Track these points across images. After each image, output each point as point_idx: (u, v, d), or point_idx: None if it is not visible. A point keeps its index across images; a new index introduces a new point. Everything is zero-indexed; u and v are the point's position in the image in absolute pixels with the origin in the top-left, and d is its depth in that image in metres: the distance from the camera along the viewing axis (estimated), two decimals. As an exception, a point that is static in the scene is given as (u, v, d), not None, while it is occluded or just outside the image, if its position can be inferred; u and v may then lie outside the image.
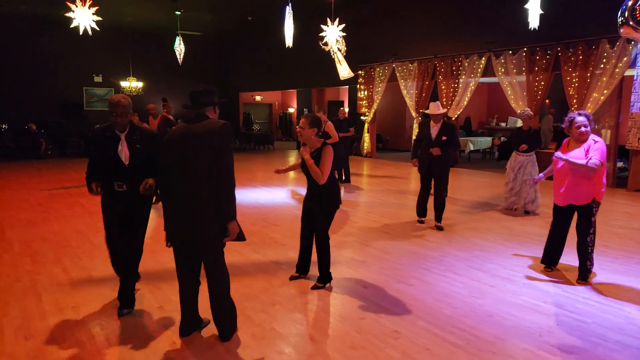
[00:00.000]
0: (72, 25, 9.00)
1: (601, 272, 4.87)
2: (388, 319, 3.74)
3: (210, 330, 3.53)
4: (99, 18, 9.14)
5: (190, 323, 3.47)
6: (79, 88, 19.04)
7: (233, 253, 5.41)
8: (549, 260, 4.89)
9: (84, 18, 8.90)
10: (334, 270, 4.87)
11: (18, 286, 4.39)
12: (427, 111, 6.61)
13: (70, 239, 6.01)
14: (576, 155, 4.44)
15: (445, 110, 6.79)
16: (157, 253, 5.37)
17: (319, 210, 4.30)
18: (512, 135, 7.84)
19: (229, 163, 3.16)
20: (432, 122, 6.46)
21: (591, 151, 4.39)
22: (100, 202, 3.88)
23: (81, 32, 9.12)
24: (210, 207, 3.15)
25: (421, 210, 6.83)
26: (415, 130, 14.38)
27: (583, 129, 4.51)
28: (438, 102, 6.59)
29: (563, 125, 4.76)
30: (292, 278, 4.60)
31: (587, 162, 4.30)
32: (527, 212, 7.53)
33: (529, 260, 5.24)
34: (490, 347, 3.31)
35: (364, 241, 5.97)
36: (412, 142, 12.39)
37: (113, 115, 3.69)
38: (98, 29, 9.28)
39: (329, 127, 8.69)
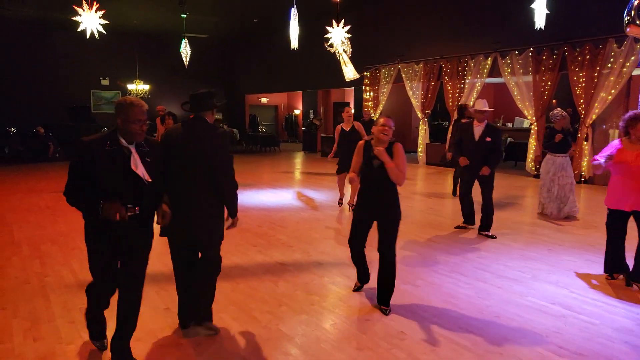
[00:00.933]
0: (79, 29, 9.09)
1: (609, 272, 4.83)
2: (394, 319, 3.74)
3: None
4: (106, 21, 9.22)
5: (188, 313, 3.55)
6: (87, 91, 19.20)
7: (239, 255, 5.43)
8: (618, 269, 4.56)
9: (90, 21, 8.99)
10: (341, 271, 4.87)
11: (27, 288, 4.43)
12: (473, 108, 6.24)
13: (79, 240, 6.06)
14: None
15: (492, 109, 6.32)
16: (164, 254, 5.39)
17: (388, 221, 3.85)
18: (548, 135, 7.23)
19: (229, 166, 3.34)
20: (475, 121, 6.15)
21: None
22: (88, 232, 2.98)
23: (88, 36, 9.21)
24: (213, 208, 3.35)
25: (469, 215, 6.46)
26: (422, 132, 14.35)
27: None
28: (485, 100, 6.24)
29: (622, 125, 4.48)
30: (356, 289, 4.31)
31: None
32: (567, 218, 7.18)
33: (536, 261, 5.21)
34: (497, 348, 3.30)
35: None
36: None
37: (137, 123, 2.86)
38: (105, 32, 9.37)
39: (359, 126, 8.02)
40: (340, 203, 8.20)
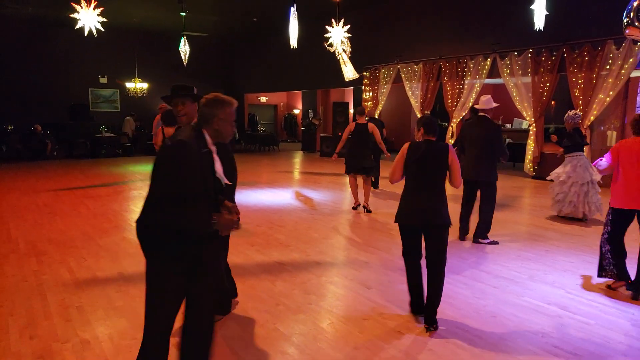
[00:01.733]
0: (77, 26, 9.06)
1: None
2: (391, 319, 3.75)
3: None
4: (104, 19, 9.20)
5: None
6: (85, 89, 19.16)
7: (237, 254, 5.43)
8: (623, 274, 4.35)
9: (88, 19, 8.96)
10: (339, 271, 4.88)
11: (24, 286, 4.43)
12: (477, 106, 5.97)
13: (76, 239, 6.06)
14: None
15: (497, 104, 5.98)
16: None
17: (441, 226, 3.53)
18: (566, 136, 7.16)
19: (164, 174, 2.40)
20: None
21: None
22: (157, 267, 2.54)
23: (86, 33, 9.18)
24: (154, 211, 2.46)
25: (463, 227, 6.02)
26: (420, 132, 14.36)
27: None
28: (490, 96, 5.92)
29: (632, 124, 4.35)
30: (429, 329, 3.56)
31: None
32: (584, 219, 7.08)
33: (534, 261, 5.22)
34: (493, 347, 3.31)
35: (368, 242, 5.98)
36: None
37: (233, 124, 2.59)
38: (103, 30, 9.35)
39: (373, 128, 7.51)
40: (355, 207, 7.72)
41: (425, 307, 3.63)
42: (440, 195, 3.60)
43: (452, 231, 6.03)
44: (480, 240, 5.89)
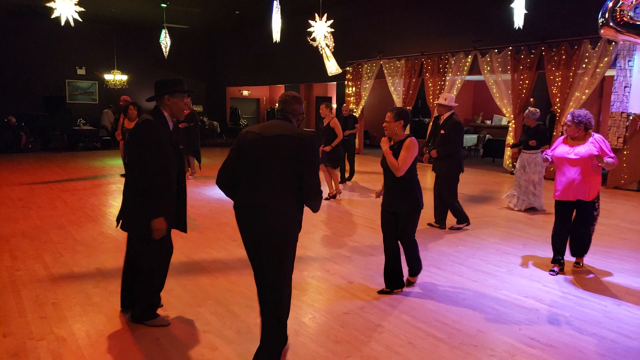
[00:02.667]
0: (53, 16, 8.83)
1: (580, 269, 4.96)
2: (372, 313, 3.77)
3: (192, 327, 3.52)
4: (82, 9, 8.98)
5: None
6: (62, 80, 18.70)
7: (219, 249, 5.40)
8: (562, 260, 4.82)
9: (65, 8, 8.74)
10: (320, 265, 4.89)
11: (-3, 281, 4.32)
12: (436, 102, 6.57)
13: (52, 234, 5.93)
14: (582, 151, 4.50)
15: (445, 102, 6.23)
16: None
17: (404, 213, 4.01)
18: (522, 133, 7.63)
19: (144, 159, 3.22)
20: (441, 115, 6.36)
21: (605, 147, 4.54)
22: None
23: (63, 23, 8.95)
24: (134, 200, 3.29)
25: (437, 216, 6.46)
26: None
27: (565, 127, 4.72)
28: (450, 94, 6.43)
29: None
30: (381, 292, 4.15)
31: (613, 161, 4.47)
32: (532, 210, 7.51)
33: (512, 256, 5.31)
34: (471, 340, 3.36)
35: (349, 236, 6.00)
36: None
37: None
38: (81, 20, 9.13)
39: (335, 123, 8.05)
40: (327, 198, 8.10)
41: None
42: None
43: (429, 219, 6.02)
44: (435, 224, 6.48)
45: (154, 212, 3.21)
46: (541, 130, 7.39)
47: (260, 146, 2.77)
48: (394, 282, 4.17)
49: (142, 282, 3.44)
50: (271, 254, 2.78)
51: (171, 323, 3.55)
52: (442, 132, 6.12)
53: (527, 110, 7.40)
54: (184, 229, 3.57)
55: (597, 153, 4.43)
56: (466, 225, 6.42)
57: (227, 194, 3.02)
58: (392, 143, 4.05)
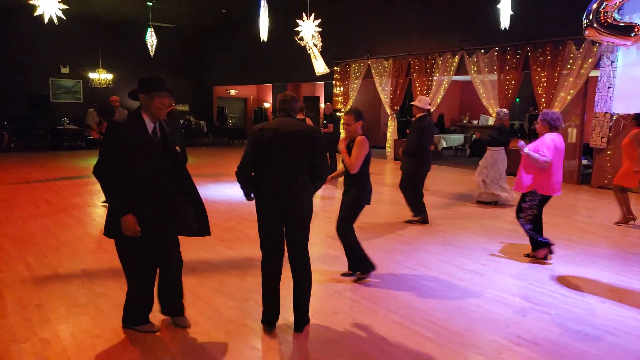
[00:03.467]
0: (36, 13, 8.67)
1: (565, 265, 5.03)
2: (361, 313, 3.78)
3: (180, 328, 3.49)
4: (65, 6, 8.84)
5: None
6: (45, 79, 18.40)
7: (206, 249, 5.36)
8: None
9: (49, 6, 8.58)
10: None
11: (-21, 283, 4.24)
12: (412, 103, 6.89)
13: (35, 235, 5.83)
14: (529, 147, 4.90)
15: (419, 104, 6.64)
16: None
17: (344, 202, 4.36)
18: (501, 132, 7.91)
19: (98, 159, 3.17)
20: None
21: (540, 147, 4.84)
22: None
23: (46, 21, 8.80)
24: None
25: (412, 211, 6.87)
26: (390, 128, 14.54)
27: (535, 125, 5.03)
28: (425, 97, 6.81)
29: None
30: (344, 274, 4.57)
31: (538, 158, 4.78)
32: (496, 204, 7.94)
33: (498, 254, 5.36)
34: (459, 338, 3.39)
35: (337, 236, 5.99)
36: (394, 141, 13.09)
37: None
38: (64, 17, 8.98)
39: (308, 122, 8.57)
40: None
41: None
42: None
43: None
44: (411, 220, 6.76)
45: (115, 211, 3.15)
46: (496, 127, 7.86)
47: (282, 140, 3.29)
48: (352, 265, 4.49)
49: (128, 285, 3.38)
50: (299, 223, 3.41)
51: (158, 324, 3.51)
52: (408, 131, 6.73)
53: (499, 112, 7.98)
54: (191, 233, 3.47)
55: (525, 149, 4.80)
56: (420, 222, 6.66)
57: (244, 184, 3.43)
58: (347, 142, 4.33)
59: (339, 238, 4.41)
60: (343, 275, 4.53)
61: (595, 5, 4.92)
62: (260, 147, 3.32)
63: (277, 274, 3.48)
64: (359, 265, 4.46)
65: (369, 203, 4.39)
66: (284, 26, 13.77)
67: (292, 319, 3.66)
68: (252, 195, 3.45)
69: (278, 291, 3.49)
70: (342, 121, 4.39)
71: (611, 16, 5.03)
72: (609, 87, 9.66)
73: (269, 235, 3.43)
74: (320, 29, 10.41)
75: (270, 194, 3.34)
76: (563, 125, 4.91)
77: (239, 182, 3.43)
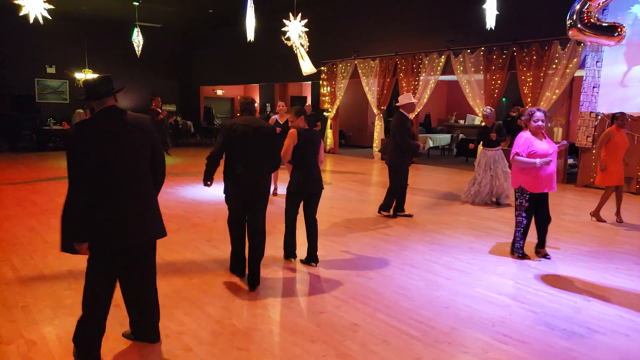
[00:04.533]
0: (21, 13, 8.56)
1: (551, 263, 5.09)
2: (347, 312, 3.79)
3: (167, 328, 3.47)
4: (51, 6, 8.74)
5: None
6: (31, 79, 18.16)
7: (192, 250, 5.34)
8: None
9: (34, 6, 8.48)
10: (295, 266, 4.88)
11: (-38, 286, 4.17)
12: (397, 103, 7.03)
13: (21, 236, 5.76)
14: (544, 147, 4.92)
15: (398, 103, 7.03)
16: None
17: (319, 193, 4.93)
18: (478, 133, 8.17)
19: (69, 167, 2.79)
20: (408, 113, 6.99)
21: (516, 144, 4.99)
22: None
23: (31, 21, 8.69)
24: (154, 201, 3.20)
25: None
26: (377, 127, 14.59)
27: (540, 123, 4.93)
28: (409, 94, 7.09)
29: (523, 119, 5.14)
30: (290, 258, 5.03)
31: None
32: (498, 204, 8.00)
33: (484, 253, 5.41)
34: (445, 337, 3.41)
35: (325, 235, 6.01)
36: (381, 141, 13.26)
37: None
38: (50, 17, 8.88)
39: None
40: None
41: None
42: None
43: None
44: (381, 212, 7.06)
45: (72, 234, 2.86)
46: (499, 126, 7.90)
47: (252, 134, 4.18)
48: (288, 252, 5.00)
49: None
50: (262, 202, 4.34)
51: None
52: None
53: (483, 111, 8.00)
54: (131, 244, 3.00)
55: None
56: (390, 215, 7.00)
57: (211, 169, 4.29)
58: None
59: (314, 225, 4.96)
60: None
61: (578, 6, 4.99)
62: (232, 139, 4.16)
63: (242, 231, 4.46)
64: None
65: (299, 195, 4.76)
66: (270, 26, 13.74)
67: (277, 318, 3.66)
68: (209, 183, 4.33)
69: (244, 244, 4.49)
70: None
71: (594, 16, 5.11)
72: (594, 87, 9.80)
73: (237, 208, 4.35)
74: (307, 29, 10.41)
75: (243, 175, 4.16)
76: (540, 123, 4.91)
77: (208, 167, 4.26)
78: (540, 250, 5.27)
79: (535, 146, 4.89)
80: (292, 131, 4.65)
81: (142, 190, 2.98)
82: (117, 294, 3.13)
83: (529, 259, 5.18)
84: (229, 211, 4.43)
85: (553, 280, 4.60)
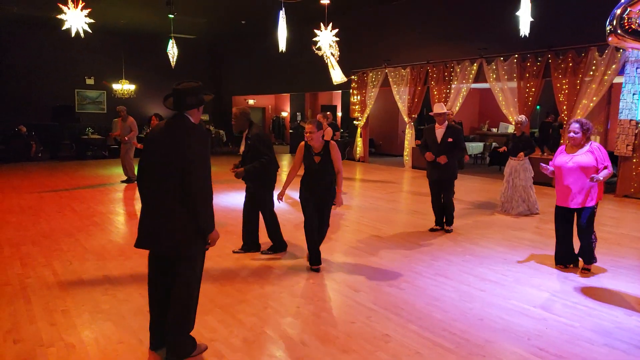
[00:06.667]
0: (63, 28, 8.95)
1: (590, 276, 4.92)
2: (379, 322, 3.76)
3: (199, 335, 3.52)
4: (92, 20, 9.10)
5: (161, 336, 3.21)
6: (71, 90, 18.91)
7: (225, 257, 5.41)
8: (564, 259, 5.11)
9: (76, 20, 8.84)
10: (326, 274, 4.88)
11: (7, 290, 4.36)
12: (431, 113, 6.66)
13: (61, 242, 5.98)
14: (583, 160, 4.72)
15: (448, 111, 6.79)
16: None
17: (331, 200, 4.94)
18: (508, 140, 8.05)
19: (200, 170, 2.95)
20: (436, 124, 6.50)
21: (601, 156, 4.71)
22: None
23: (73, 34, 9.07)
24: (181, 216, 2.98)
25: (438, 218, 6.74)
26: (408, 136, 14.49)
27: (572, 134, 4.82)
28: (442, 103, 6.69)
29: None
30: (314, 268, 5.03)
31: (607, 172, 4.63)
32: (527, 214, 7.80)
33: (519, 265, 5.28)
34: (480, 350, 3.34)
35: (356, 245, 5.99)
36: (412, 149, 13.09)
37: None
38: (90, 31, 9.24)
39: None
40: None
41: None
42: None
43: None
44: (447, 228, 6.70)
45: (211, 226, 3.06)
46: (525, 138, 7.69)
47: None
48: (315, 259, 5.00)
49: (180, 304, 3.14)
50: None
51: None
52: (450, 139, 6.43)
53: (517, 119, 7.76)
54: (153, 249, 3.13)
55: (596, 178, 4.54)
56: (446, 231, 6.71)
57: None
58: (319, 151, 4.85)
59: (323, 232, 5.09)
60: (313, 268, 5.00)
61: (618, 11, 4.83)
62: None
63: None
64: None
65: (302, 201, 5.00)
66: (301, 36, 13.89)
67: (310, 327, 3.67)
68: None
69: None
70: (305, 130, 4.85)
71: (635, 22, 4.95)
72: (633, 94, 9.47)
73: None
74: (337, 39, 10.48)
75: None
76: (572, 134, 4.82)
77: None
78: (582, 269, 5.02)
79: (557, 157, 4.90)
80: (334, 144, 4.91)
81: (166, 202, 2.97)
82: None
83: (565, 270, 5.02)
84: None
85: (592, 293, 4.44)
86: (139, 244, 3.10)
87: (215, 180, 3.24)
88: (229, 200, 8.86)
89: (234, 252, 5.55)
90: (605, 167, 4.64)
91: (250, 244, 5.58)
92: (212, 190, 3.06)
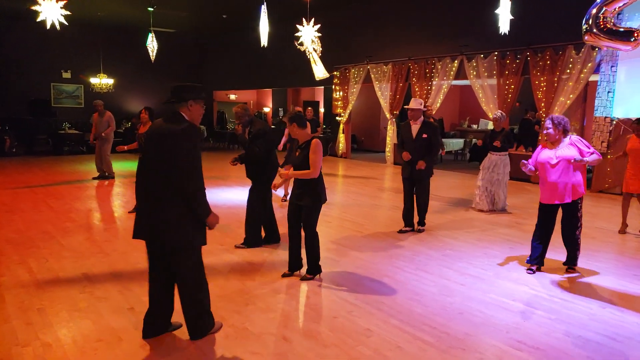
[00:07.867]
0: (38, 19, 8.71)
1: (572, 273, 5.02)
2: (360, 317, 3.78)
3: (180, 332, 3.49)
4: (68, 12, 8.88)
5: (155, 325, 3.42)
6: (47, 84, 18.47)
7: (206, 254, 5.32)
8: (539, 260, 4.96)
9: (51, 12, 8.61)
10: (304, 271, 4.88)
11: (-20, 288, 4.24)
12: (406, 106, 6.45)
13: (37, 239, 5.84)
14: (567, 153, 4.71)
15: (427, 107, 6.70)
16: (128, 253, 5.28)
17: (308, 205, 4.46)
18: (486, 136, 8.04)
19: (192, 165, 3.16)
20: (411, 121, 6.33)
21: (584, 147, 4.76)
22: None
23: (48, 27, 8.83)
24: (175, 209, 3.17)
25: (407, 219, 6.48)
26: (390, 132, 14.56)
27: (546, 131, 4.92)
28: (420, 99, 6.53)
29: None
30: (284, 275, 4.68)
31: (596, 156, 4.64)
32: (502, 210, 7.86)
33: (498, 259, 5.37)
34: (459, 343, 3.39)
35: (337, 241, 6.01)
36: (394, 145, 13.10)
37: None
38: (67, 23, 9.02)
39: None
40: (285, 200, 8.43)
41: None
42: None
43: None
44: (419, 227, 6.56)
45: (207, 211, 3.28)
46: (506, 133, 7.73)
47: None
48: (294, 265, 4.70)
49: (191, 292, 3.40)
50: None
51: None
52: (425, 136, 6.28)
53: (494, 115, 7.82)
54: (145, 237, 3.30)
55: (578, 158, 4.60)
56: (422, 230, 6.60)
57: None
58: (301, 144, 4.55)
59: (310, 239, 4.58)
60: (303, 279, 4.61)
61: (594, 11, 4.93)
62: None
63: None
64: (315, 267, 4.62)
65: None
66: (284, 31, 13.81)
67: (291, 323, 3.66)
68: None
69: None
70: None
71: (610, 21, 5.05)
72: (608, 92, 9.68)
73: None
74: (319, 34, 10.45)
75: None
76: (546, 131, 4.87)
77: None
78: (568, 269, 5.00)
79: (539, 154, 4.88)
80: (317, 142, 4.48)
81: (160, 195, 3.18)
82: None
83: (535, 271, 4.91)
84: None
85: (568, 287, 4.54)
86: (135, 235, 3.29)
87: (205, 176, 3.25)
88: (213, 197, 8.77)
89: (236, 246, 5.61)
90: (593, 153, 4.67)
91: (268, 236, 5.78)
92: (204, 183, 3.24)
